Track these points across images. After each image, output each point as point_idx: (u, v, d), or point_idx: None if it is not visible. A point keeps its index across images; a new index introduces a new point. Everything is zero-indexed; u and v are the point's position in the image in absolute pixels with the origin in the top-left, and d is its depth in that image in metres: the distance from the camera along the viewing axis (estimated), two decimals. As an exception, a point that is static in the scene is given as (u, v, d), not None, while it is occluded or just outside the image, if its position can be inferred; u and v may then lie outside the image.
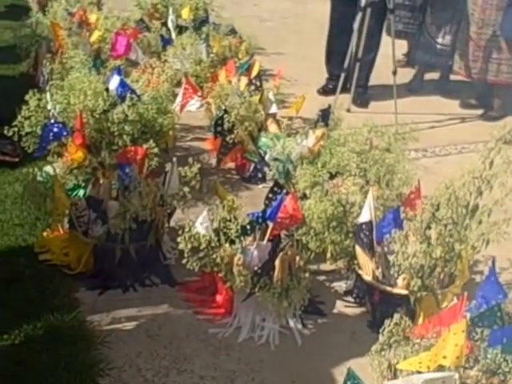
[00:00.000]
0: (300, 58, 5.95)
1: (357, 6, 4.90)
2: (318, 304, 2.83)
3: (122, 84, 3.43)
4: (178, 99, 4.16)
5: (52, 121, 3.31)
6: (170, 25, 5.27)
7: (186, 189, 2.82)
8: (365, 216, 2.77)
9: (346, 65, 4.84)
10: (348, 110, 4.85)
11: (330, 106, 3.93)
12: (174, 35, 5.17)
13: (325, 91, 5.28)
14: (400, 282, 2.64)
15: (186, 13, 5.32)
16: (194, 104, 4.26)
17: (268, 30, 6.77)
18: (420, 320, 2.57)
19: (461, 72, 5.23)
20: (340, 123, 3.85)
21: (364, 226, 2.74)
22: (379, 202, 2.89)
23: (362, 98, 5.19)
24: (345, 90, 4.97)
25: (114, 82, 3.44)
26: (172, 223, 3.12)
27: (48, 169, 3.38)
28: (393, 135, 3.36)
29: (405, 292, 2.62)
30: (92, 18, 4.84)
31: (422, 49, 5.47)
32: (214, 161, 4.00)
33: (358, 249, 2.77)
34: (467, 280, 2.73)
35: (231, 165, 3.97)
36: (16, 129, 3.23)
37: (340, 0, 5.19)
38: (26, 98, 3.25)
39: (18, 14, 6.27)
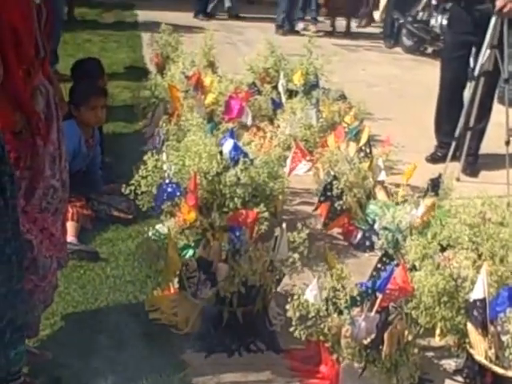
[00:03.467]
0: (408, 124, 5.93)
1: (467, 73, 4.87)
2: (427, 382, 2.74)
3: (236, 147, 3.52)
4: (287, 163, 4.22)
5: (167, 181, 3.42)
6: (280, 89, 5.37)
7: (296, 255, 2.83)
8: (478, 292, 2.68)
9: (457, 133, 4.78)
10: (457, 179, 4.77)
11: (440, 176, 3.89)
12: (284, 99, 5.27)
13: (433, 159, 5.21)
14: (515, 365, 2.53)
15: (297, 78, 5.42)
16: (302, 168, 4.30)
17: (376, 95, 6.79)
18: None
19: None
20: (450, 193, 3.79)
21: (477, 303, 2.65)
22: (493, 278, 2.79)
23: (473, 167, 5.09)
24: (454, 157, 4.91)
25: (228, 145, 3.53)
26: (278, 288, 3.13)
27: (160, 227, 3.48)
28: (507, 208, 3.27)
29: (520, 376, 2.51)
30: (207, 80, 5.02)
31: None
32: (320, 225, 4.00)
33: (470, 326, 2.68)
34: None
35: (338, 230, 3.96)
36: (133, 187, 3.36)
37: (450, 67, 5.16)
38: (145, 158, 3.38)
39: (136, 75, 6.61)
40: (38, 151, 2.21)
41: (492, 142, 5.32)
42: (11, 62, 2.01)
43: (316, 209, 4.03)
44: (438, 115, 5.32)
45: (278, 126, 4.64)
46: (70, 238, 3.41)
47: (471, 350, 2.69)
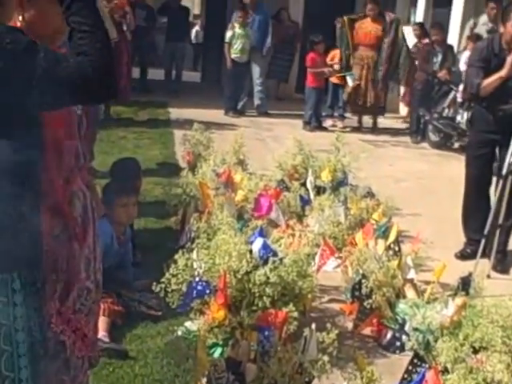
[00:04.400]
0: (436, 220, 5.94)
1: (492, 170, 4.91)
2: None
3: (265, 246, 3.55)
4: (316, 260, 4.23)
5: (197, 279, 3.45)
6: (308, 185, 5.46)
7: (326, 358, 2.81)
8: (512, 398, 2.63)
9: (486, 231, 4.79)
10: (488, 277, 4.73)
11: (470, 274, 3.87)
12: (312, 196, 5.34)
13: (463, 256, 5.20)
14: None
15: (324, 175, 5.51)
16: (330, 264, 4.31)
17: (404, 191, 6.85)
18: None
19: None
20: (481, 292, 3.76)
21: (512, 410, 2.60)
22: (528, 383, 2.75)
23: (503, 263, 5.07)
24: (483, 254, 4.89)
25: (257, 244, 3.57)
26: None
27: (189, 325, 3.49)
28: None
29: None
30: (237, 178, 5.12)
31: None
32: (349, 324, 3.97)
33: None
34: None
35: (367, 330, 3.93)
36: (163, 285, 3.40)
37: (475, 164, 5.21)
38: (176, 257, 3.43)
39: (168, 171, 6.78)
40: (75, 254, 2.28)
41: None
42: (52, 172, 2.10)
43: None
44: (465, 212, 5.34)
45: (308, 225, 4.68)
46: (102, 333, 3.44)
47: None
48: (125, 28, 9.68)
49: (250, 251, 3.52)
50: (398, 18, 10.45)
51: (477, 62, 4.93)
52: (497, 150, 5.12)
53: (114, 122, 8.99)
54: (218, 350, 3.24)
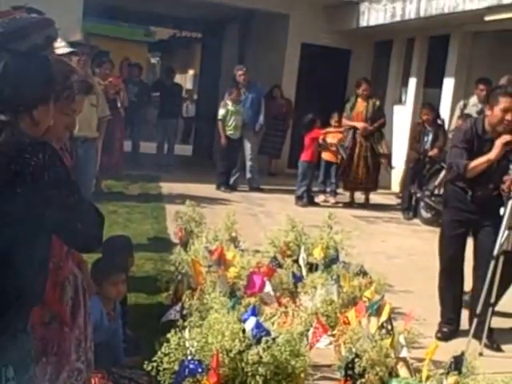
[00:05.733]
0: (428, 297, 5.92)
1: (465, 248, 5.01)
2: None
3: (258, 325, 3.56)
4: (309, 338, 4.22)
5: (189, 357, 3.44)
6: (301, 262, 5.48)
7: None
8: None
9: (478, 310, 4.79)
10: (480, 354, 4.72)
11: (463, 353, 3.86)
12: (304, 272, 5.36)
13: (443, 336, 5.07)
14: None
15: (317, 252, 5.54)
16: (323, 341, 4.30)
17: (396, 267, 6.88)
18: None
19: None
20: (473, 370, 3.74)
21: None
22: None
23: (495, 341, 5.04)
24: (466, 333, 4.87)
25: (250, 323, 3.57)
26: None
27: (181, 405, 3.46)
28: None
29: None
30: (229, 255, 5.14)
31: None
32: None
33: None
34: None
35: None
36: (155, 364, 3.38)
37: (450, 243, 5.22)
38: (168, 335, 3.42)
39: (159, 246, 6.77)
40: (65, 338, 2.29)
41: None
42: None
43: None
44: (441, 292, 5.34)
45: (300, 303, 4.68)
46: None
47: None
48: (119, 105, 9.88)
49: (243, 330, 3.53)
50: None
51: (460, 143, 5.00)
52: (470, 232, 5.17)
53: (104, 195, 9.03)
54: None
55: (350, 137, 10.25)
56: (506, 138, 4.80)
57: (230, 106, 10.65)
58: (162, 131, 12.78)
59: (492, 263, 4.70)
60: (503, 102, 4.79)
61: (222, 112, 10.71)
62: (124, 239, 4.83)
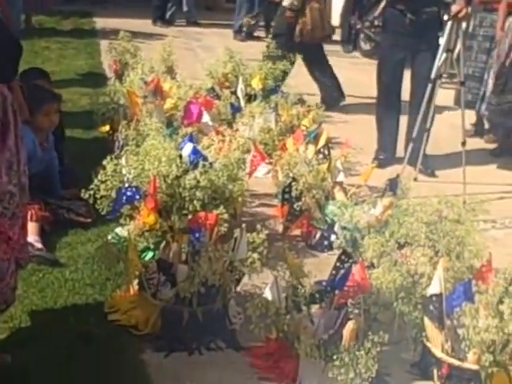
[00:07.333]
0: (366, 126, 5.98)
1: (403, 74, 5.00)
2: (385, 375, 2.79)
3: (195, 151, 3.52)
4: (247, 167, 4.23)
5: (126, 185, 3.41)
6: (239, 93, 5.41)
7: (255, 255, 2.85)
8: (434, 288, 2.74)
9: (414, 135, 4.86)
10: (415, 179, 4.85)
11: (398, 176, 3.95)
12: (243, 103, 5.30)
13: (380, 164, 5.09)
14: (470, 356, 2.58)
15: (255, 82, 5.46)
16: (261, 170, 4.33)
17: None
18: (491, 396, 2.51)
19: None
20: (408, 192, 3.85)
21: (433, 298, 2.71)
22: (449, 274, 2.85)
23: (429, 167, 5.17)
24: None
25: (187, 149, 3.53)
26: (238, 288, 3.15)
27: (120, 230, 3.49)
28: (463, 206, 3.35)
29: (475, 367, 2.56)
30: (166, 86, 5.02)
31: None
32: (280, 227, 4.04)
33: (427, 321, 2.73)
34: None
35: (297, 231, 3.99)
36: (92, 192, 3.35)
37: (387, 68, 5.24)
38: (104, 162, 3.37)
39: (94, 82, 6.59)
40: (-6, 158, 2.21)
41: (449, 143, 5.45)
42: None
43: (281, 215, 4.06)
44: (378, 119, 5.40)
45: (237, 130, 4.66)
46: (32, 237, 3.45)
47: (428, 344, 2.74)
48: None
49: (180, 156, 3.49)
50: None
51: None
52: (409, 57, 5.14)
53: (36, 32, 8.62)
54: (150, 254, 3.25)
55: None
56: None
57: None
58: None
59: (429, 87, 4.70)
60: None
61: None
62: (41, 69, 4.66)
